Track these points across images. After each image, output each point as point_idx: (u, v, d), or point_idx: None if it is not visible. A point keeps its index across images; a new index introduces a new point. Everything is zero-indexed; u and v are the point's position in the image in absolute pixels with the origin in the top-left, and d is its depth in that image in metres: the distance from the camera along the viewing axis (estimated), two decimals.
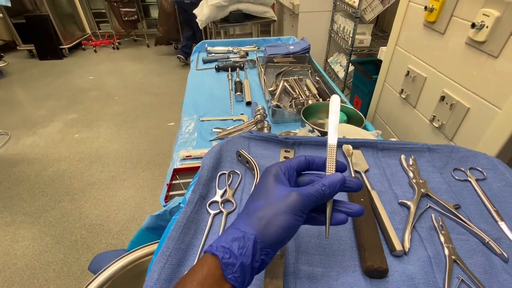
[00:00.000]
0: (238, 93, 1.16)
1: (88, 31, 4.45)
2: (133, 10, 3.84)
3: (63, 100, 2.93)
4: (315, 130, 0.83)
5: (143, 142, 2.31)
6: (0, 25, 3.71)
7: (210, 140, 0.93)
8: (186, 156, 0.85)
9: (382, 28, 2.39)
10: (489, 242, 0.41)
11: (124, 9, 3.80)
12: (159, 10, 3.58)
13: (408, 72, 1.07)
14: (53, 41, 3.72)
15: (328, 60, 2.59)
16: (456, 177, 0.53)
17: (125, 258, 0.59)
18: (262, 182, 0.33)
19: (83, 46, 4.22)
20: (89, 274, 1.43)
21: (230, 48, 1.63)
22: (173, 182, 0.78)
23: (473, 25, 0.73)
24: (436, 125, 0.94)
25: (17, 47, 3.84)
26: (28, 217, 1.70)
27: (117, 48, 4.27)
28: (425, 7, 0.91)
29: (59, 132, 2.44)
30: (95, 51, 4.19)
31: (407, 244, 0.41)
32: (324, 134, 0.82)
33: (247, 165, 0.56)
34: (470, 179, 0.53)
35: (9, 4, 3.26)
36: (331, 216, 0.33)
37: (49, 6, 3.58)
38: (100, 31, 4.45)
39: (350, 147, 0.59)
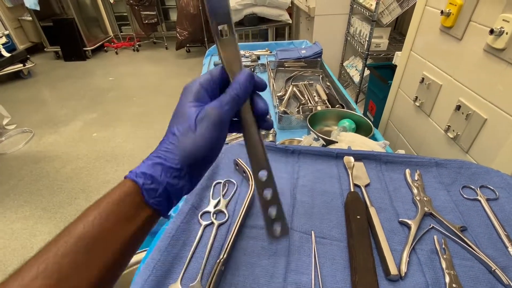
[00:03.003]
0: None
1: (111, 33, 4.61)
2: (153, 13, 3.94)
3: (84, 100, 3.05)
4: (320, 138, 0.81)
5: (158, 143, 2.35)
6: (30, 28, 3.92)
7: None
8: None
9: (401, 31, 2.31)
10: (496, 270, 0.38)
11: (145, 13, 3.91)
12: (179, 15, 3.64)
13: (423, 79, 1.02)
14: (78, 43, 3.88)
15: (344, 64, 2.54)
16: (465, 196, 0.50)
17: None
18: (182, 103, 0.29)
19: (105, 48, 4.38)
20: None
21: (242, 52, 1.62)
22: None
23: (491, 31, 0.69)
24: (451, 136, 0.89)
25: (45, 49, 4.04)
26: (46, 212, 1.78)
27: (137, 50, 4.40)
28: (442, 12, 0.87)
29: (79, 131, 2.54)
30: (116, 53, 4.33)
31: (403, 268, 0.39)
32: (329, 142, 0.80)
33: (244, 174, 0.56)
34: (480, 198, 0.49)
35: (38, 8, 3.44)
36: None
37: (75, 10, 3.74)
38: (121, 33, 4.60)
39: (352, 158, 0.57)
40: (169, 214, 0.28)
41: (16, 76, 3.46)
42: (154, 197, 0.25)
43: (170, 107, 2.25)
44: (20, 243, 1.60)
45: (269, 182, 0.32)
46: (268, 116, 0.32)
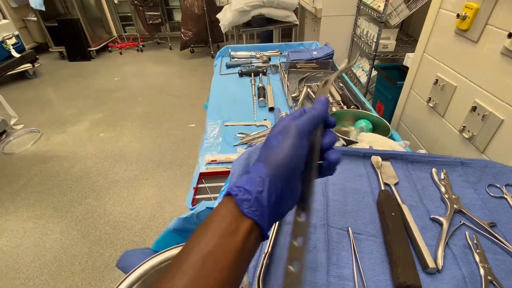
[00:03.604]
0: (261, 98, 1.17)
1: (115, 34, 4.62)
2: (157, 13, 3.96)
3: (90, 100, 3.06)
4: (340, 138, 0.83)
5: (165, 143, 2.37)
6: (34, 28, 3.93)
7: (234, 145, 0.95)
8: (212, 161, 0.87)
9: (407, 32, 2.33)
10: None
11: (149, 13, 3.92)
12: (183, 15, 3.66)
13: (437, 80, 1.04)
14: (82, 43, 3.89)
15: None
16: (491, 194, 0.52)
17: (155, 258, 0.61)
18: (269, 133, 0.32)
19: (109, 48, 4.39)
20: (112, 269, 1.49)
21: (253, 53, 1.65)
22: (199, 185, 0.80)
23: (509, 35, 0.71)
24: (466, 136, 0.91)
25: (49, 49, 4.05)
26: (57, 211, 1.79)
27: (141, 51, 4.41)
28: (458, 15, 0.89)
29: (86, 131, 2.55)
30: (121, 53, 4.35)
31: (440, 262, 0.41)
32: (349, 142, 0.82)
33: None
34: (506, 196, 0.51)
35: (43, 9, 3.46)
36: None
37: (79, 11, 3.75)
38: (125, 34, 4.62)
39: (379, 158, 0.59)
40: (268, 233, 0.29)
41: (21, 76, 3.47)
42: (248, 207, 0.27)
43: (175, 107, 2.28)
44: (32, 241, 1.62)
45: (304, 229, 0.29)
46: (334, 157, 0.32)
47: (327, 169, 0.33)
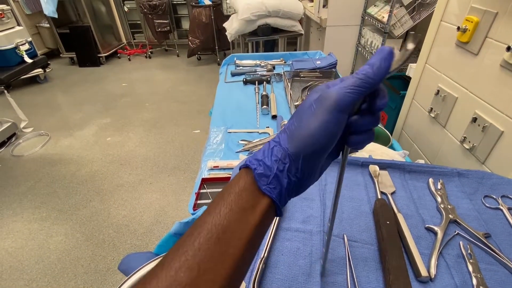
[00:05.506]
0: (265, 106, 1.19)
1: (124, 40, 4.73)
2: (166, 21, 4.05)
3: (98, 105, 3.13)
4: None
5: (170, 148, 2.40)
6: (47, 34, 4.05)
7: (237, 152, 0.97)
8: (214, 167, 0.89)
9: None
10: None
11: (158, 21, 4.02)
12: (191, 24, 3.74)
13: (438, 91, 1.05)
14: (93, 49, 4.00)
15: None
16: (487, 205, 0.52)
17: (156, 261, 0.62)
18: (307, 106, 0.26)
19: (118, 55, 4.49)
20: (115, 272, 1.50)
21: (258, 62, 1.68)
22: (201, 191, 0.82)
23: (508, 48, 0.72)
24: (467, 147, 0.91)
25: (60, 55, 4.16)
26: (62, 213, 1.82)
27: (149, 57, 4.50)
28: (458, 28, 0.90)
29: (93, 135, 2.60)
30: (129, 59, 4.44)
31: (433, 271, 0.42)
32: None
33: None
34: (502, 207, 0.52)
35: (56, 16, 3.57)
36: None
37: (91, 18, 3.87)
38: (134, 41, 4.72)
39: (377, 167, 0.60)
40: (282, 211, 0.27)
41: (32, 80, 3.56)
42: (266, 183, 0.25)
43: (182, 113, 2.32)
44: (37, 243, 1.64)
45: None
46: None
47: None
